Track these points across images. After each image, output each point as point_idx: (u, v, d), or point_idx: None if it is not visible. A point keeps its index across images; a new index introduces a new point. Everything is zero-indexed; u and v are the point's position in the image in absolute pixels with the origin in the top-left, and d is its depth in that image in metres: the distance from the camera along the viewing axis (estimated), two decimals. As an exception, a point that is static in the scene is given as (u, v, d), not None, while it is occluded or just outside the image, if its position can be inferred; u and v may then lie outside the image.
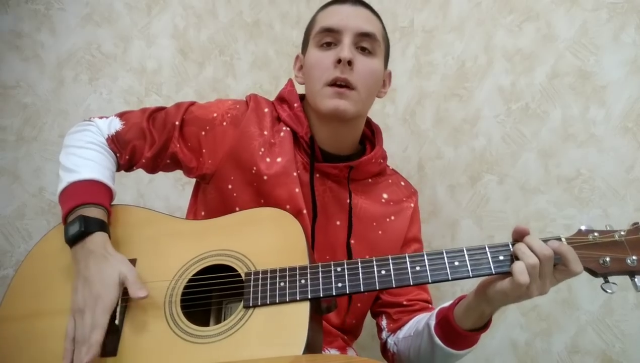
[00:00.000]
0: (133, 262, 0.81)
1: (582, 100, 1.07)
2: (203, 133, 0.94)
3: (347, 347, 0.98)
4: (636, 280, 0.70)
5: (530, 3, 1.17)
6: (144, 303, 0.76)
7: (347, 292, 0.74)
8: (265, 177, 0.91)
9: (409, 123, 1.43)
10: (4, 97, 1.26)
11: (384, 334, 0.98)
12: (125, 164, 0.96)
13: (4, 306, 0.80)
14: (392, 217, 0.99)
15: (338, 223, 0.95)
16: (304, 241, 0.79)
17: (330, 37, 0.92)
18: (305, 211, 0.90)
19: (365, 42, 0.92)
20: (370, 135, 1.06)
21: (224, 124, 0.94)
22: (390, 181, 1.04)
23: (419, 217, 1.06)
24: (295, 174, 0.91)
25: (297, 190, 0.90)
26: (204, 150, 0.93)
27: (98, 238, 0.79)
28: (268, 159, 0.92)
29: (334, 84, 0.90)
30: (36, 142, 1.29)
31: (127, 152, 0.95)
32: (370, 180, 1.01)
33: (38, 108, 1.30)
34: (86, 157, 0.90)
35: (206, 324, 0.79)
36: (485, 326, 0.80)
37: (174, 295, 0.77)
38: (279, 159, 0.92)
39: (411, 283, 0.73)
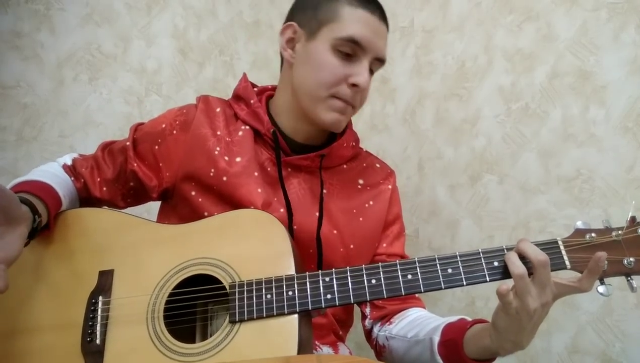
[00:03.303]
0: (110, 273, 0.77)
1: (582, 100, 1.07)
2: (156, 147, 0.92)
3: (339, 342, 0.97)
4: (632, 281, 0.68)
5: (530, 3, 1.17)
6: (126, 321, 0.73)
7: (337, 303, 0.71)
8: (224, 178, 0.87)
9: (409, 123, 1.43)
10: (4, 97, 1.26)
11: (367, 322, 0.97)
12: (82, 188, 0.93)
13: None
14: (371, 202, 0.97)
15: (317, 214, 0.91)
16: (290, 245, 0.76)
17: (351, 49, 0.86)
18: (281, 209, 0.88)
19: (377, 67, 0.91)
20: None
21: (174, 132, 0.91)
22: (364, 165, 1.01)
23: (398, 197, 1.03)
24: (256, 173, 0.89)
25: (259, 190, 0.87)
26: (160, 164, 0.91)
27: None
28: (226, 158, 0.89)
29: (342, 98, 0.87)
30: (36, 142, 1.29)
31: (82, 176, 0.93)
32: (344, 166, 0.98)
33: (38, 108, 1.30)
34: (30, 173, 0.86)
35: (190, 336, 0.77)
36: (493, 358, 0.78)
37: (156, 311, 0.73)
38: (238, 159, 0.89)
39: (403, 293, 0.71)
